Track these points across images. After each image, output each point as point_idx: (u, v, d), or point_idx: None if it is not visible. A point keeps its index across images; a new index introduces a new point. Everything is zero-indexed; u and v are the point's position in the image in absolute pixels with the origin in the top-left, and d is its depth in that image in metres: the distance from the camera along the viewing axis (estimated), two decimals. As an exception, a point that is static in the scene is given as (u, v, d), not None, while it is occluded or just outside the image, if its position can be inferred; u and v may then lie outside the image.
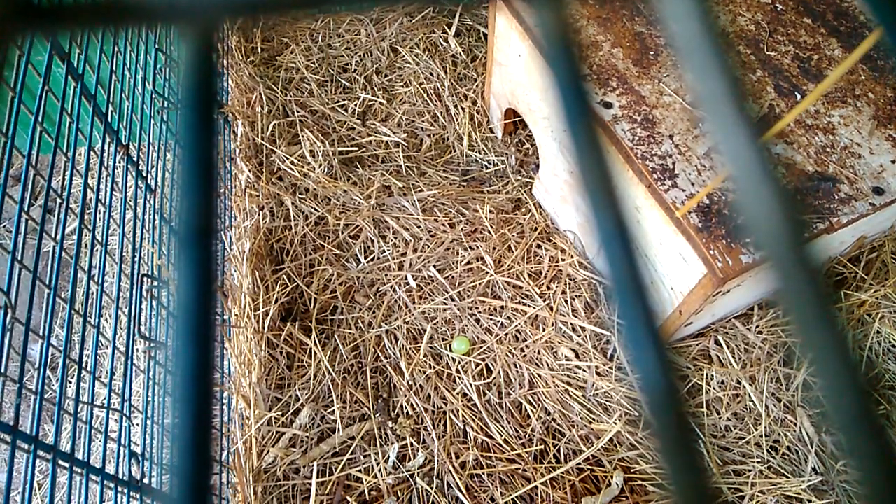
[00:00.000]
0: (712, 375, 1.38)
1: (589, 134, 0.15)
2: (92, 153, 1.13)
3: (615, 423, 1.32)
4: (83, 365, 1.00)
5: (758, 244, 0.16)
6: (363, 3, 0.15)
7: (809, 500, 1.25)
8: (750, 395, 1.35)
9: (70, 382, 1.00)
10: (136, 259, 1.22)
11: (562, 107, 0.15)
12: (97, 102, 1.14)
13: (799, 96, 1.31)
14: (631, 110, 1.29)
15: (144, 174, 1.33)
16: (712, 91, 0.16)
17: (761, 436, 1.31)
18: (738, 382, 1.37)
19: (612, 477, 1.30)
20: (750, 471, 1.29)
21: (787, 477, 1.28)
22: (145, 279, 1.20)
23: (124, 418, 1.04)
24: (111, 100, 1.20)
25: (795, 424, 1.33)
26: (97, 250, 1.13)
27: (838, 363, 0.14)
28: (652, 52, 1.38)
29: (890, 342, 1.40)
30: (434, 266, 1.52)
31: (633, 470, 1.30)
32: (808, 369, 1.35)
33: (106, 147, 1.21)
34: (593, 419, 1.34)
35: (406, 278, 1.50)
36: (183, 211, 0.13)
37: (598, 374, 1.37)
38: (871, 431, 0.14)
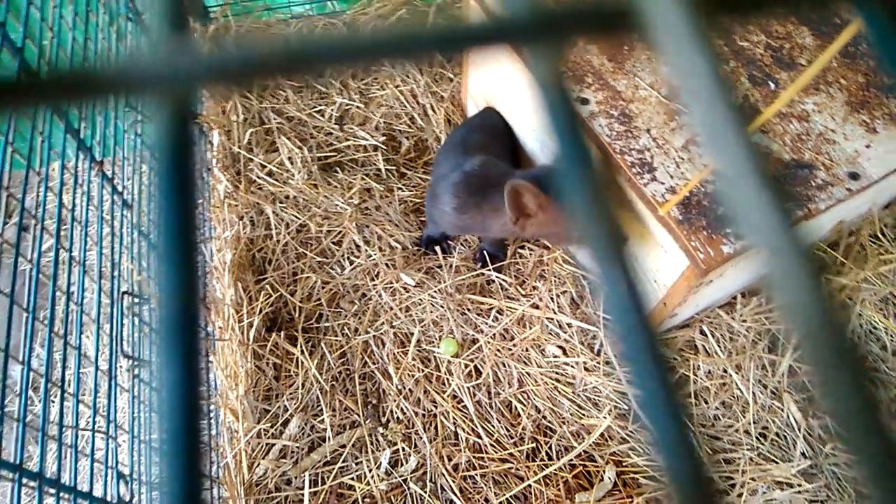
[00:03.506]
0: (699, 365, 1.38)
1: (592, 186, 0.14)
2: (66, 170, 1.11)
3: (605, 418, 1.32)
4: (65, 386, 0.98)
5: (744, 232, 0.16)
6: (342, 64, 0.15)
7: (800, 485, 1.26)
8: (737, 384, 1.36)
9: (53, 402, 0.99)
10: (116, 276, 1.20)
11: (561, 153, 0.14)
12: (69, 119, 1.12)
13: (773, 85, 1.32)
14: (607, 105, 1.29)
15: (120, 189, 1.31)
16: (695, 81, 0.16)
17: (750, 423, 1.32)
18: (725, 371, 1.38)
19: (604, 471, 1.30)
20: (740, 458, 1.30)
21: (777, 463, 1.29)
22: (126, 296, 1.18)
23: (110, 439, 1.03)
24: (83, 116, 1.18)
25: (783, 410, 1.34)
26: (75, 268, 1.11)
27: (831, 346, 0.14)
28: (626, 47, 1.39)
29: (871, 324, 1.42)
30: (419, 269, 1.51)
31: (624, 463, 1.31)
32: (792, 355, 1.37)
33: (80, 164, 1.19)
34: (583, 415, 1.35)
35: (391, 283, 1.49)
36: (163, 293, 0.13)
37: (586, 369, 1.38)
38: (865, 412, 0.14)
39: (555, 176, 1.16)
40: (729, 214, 0.15)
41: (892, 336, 1.40)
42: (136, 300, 1.23)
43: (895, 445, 0.13)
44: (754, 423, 1.33)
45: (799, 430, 1.32)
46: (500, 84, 1.50)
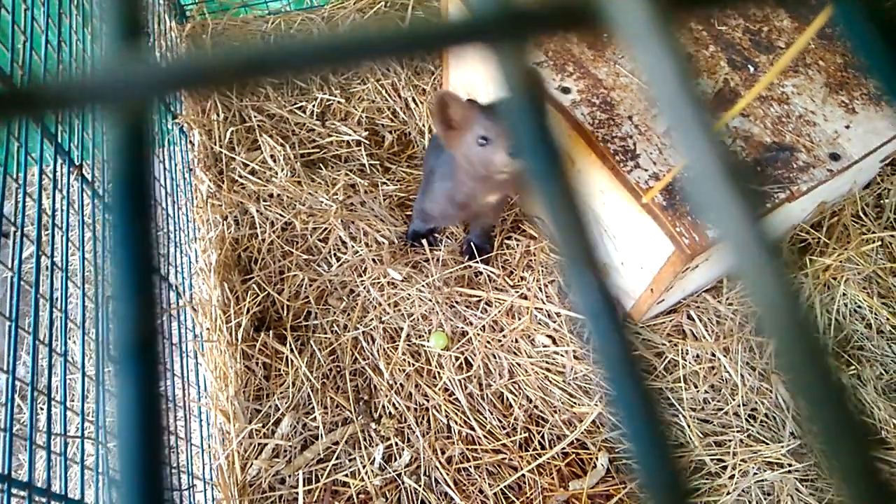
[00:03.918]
0: (687, 350, 1.39)
1: (563, 192, 0.14)
2: (45, 175, 1.10)
3: (596, 406, 1.33)
4: (53, 393, 0.97)
5: (713, 223, 0.16)
6: (307, 70, 0.14)
7: (790, 464, 1.27)
8: (725, 367, 1.37)
9: (41, 410, 0.98)
10: (100, 280, 1.19)
11: (531, 157, 0.14)
12: (45, 124, 1.10)
13: (752, 69, 1.32)
14: (589, 94, 1.29)
15: (101, 193, 1.29)
16: (660, 77, 0.16)
17: (739, 405, 1.34)
18: (713, 355, 1.39)
19: (597, 458, 1.31)
20: (730, 440, 1.31)
21: (767, 443, 1.30)
22: (111, 301, 1.17)
23: (100, 445, 1.02)
24: (59, 119, 1.17)
25: (771, 391, 1.35)
26: (58, 274, 1.10)
27: (799, 338, 0.14)
28: (606, 35, 1.39)
29: (856, 303, 1.43)
30: (406, 263, 1.51)
31: (617, 450, 1.32)
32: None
33: (58, 168, 1.17)
34: (574, 403, 1.35)
35: (379, 279, 1.49)
36: (118, 321, 0.12)
37: (575, 358, 1.38)
38: (838, 411, 0.14)
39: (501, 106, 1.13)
40: (699, 208, 0.15)
41: (876, 314, 1.42)
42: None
43: (864, 440, 0.13)
44: (743, 405, 1.34)
45: (788, 410, 1.33)
46: (481, 76, 1.50)
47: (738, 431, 1.32)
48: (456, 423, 1.34)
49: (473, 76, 1.55)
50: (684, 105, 0.14)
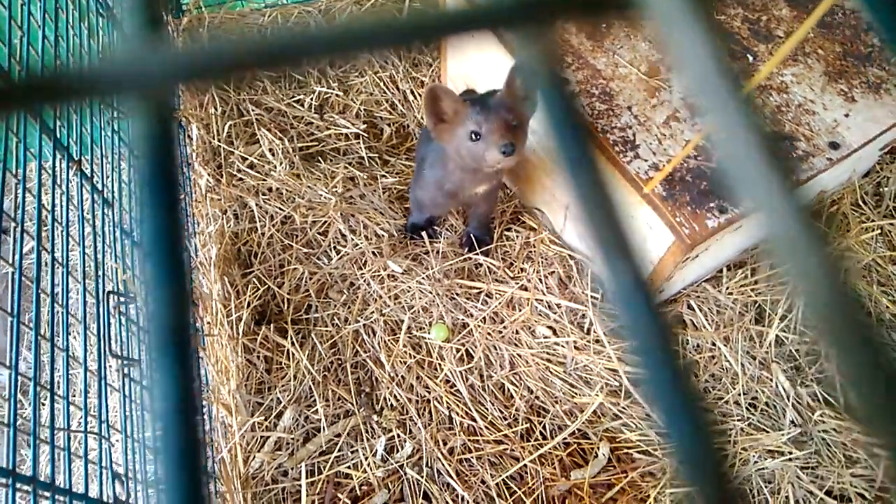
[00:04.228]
0: (687, 340, 1.40)
1: (590, 170, 0.14)
2: (43, 171, 1.09)
3: (597, 395, 1.34)
4: (55, 388, 0.97)
5: (745, 193, 0.16)
6: (320, 57, 0.14)
7: (790, 452, 1.28)
8: (725, 356, 1.38)
9: (44, 405, 0.98)
10: (101, 275, 1.19)
11: (558, 143, 0.14)
12: (43, 118, 1.10)
13: (751, 58, 1.32)
14: (588, 84, 1.29)
15: (100, 188, 1.29)
16: (690, 49, 0.16)
17: (739, 394, 1.34)
18: (713, 344, 1.39)
19: (598, 448, 1.31)
20: (731, 429, 1.32)
21: (768, 432, 1.31)
22: (111, 296, 1.17)
23: (103, 439, 1.02)
24: (58, 115, 1.16)
25: (771, 380, 1.36)
26: (58, 270, 1.10)
27: (837, 301, 0.14)
28: (604, 25, 1.39)
29: (855, 293, 1.44)
30: (406, 256, 1.51)
31: (618, 439, 1.32)
32: (779, 325, 1.38)
33: (57, 164, 1.17)
34: (575, 393, 1.36)
35: (379, 271, 1.49)
36: (153, 309, 0.12)
37: (576, 348, 1.39)
38: (875, 367, 0.14)
39: (492, 100, 1.13)
40: (727, 179, 0.15)
41: (876, 303, 1.42)
42: (122, 299, 1.22)
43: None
44: (744, 393, 1.35)
45: (788, 398, 1.33)
46: (479, 66, 1.50)
47: (738, 420, 1.32)
48: (457, 414, 1.34)
49: (471, 67, 1.54)
50: (718, 77, 0.14)
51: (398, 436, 1.33)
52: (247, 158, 1.62)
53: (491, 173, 1.23)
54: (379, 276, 1.49)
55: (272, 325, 1.43)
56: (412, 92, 1.77)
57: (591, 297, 1.43)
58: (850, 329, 0.14)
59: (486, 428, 1.33)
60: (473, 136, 1.11)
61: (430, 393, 1.37)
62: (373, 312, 1.45)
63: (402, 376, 1.39)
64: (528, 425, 1.34)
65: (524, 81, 1.11)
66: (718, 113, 0.14)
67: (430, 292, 1.46)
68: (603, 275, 0.14)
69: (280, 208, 1.57)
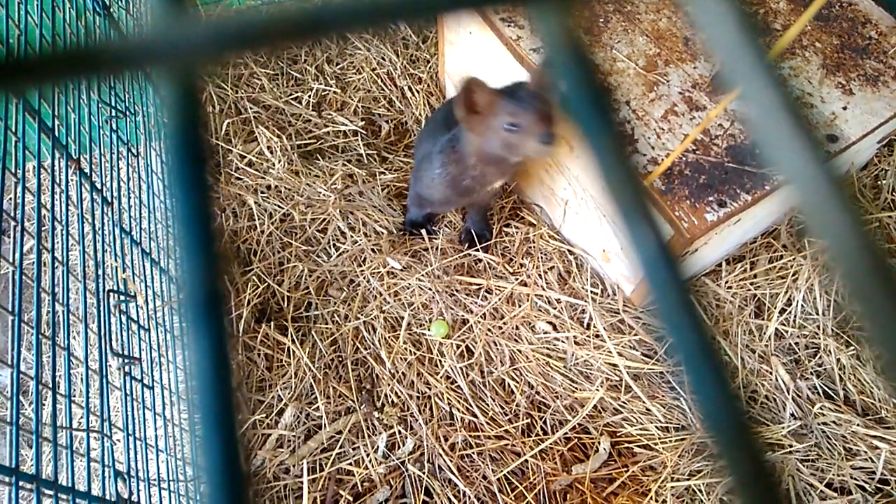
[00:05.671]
0: (687, 334, 1.40)
1: (613, 146, 0.14)
2: (42, 170, 1.09)
3: (597, 390, 1.34)
4: (56, 387, 0.97)
5: (776, 163, 0.16)
6: (353, 28, 0.14)
7: (791, 445, 1.28)
8: (725, 350, 1.38)
9: (45, 404, 0.98)
10: (101, 274, 1.18)
11: (582, 123, 0.14)
12: (42, 117, 1.10)
13: (749, 52, 1.32)
14: (586, 79, 1.29)
15: (99, 187, 1.29)
16: (720, 19, 0.16)
17: (739, 387, 1.34)
18: (713, 338, 1.39)
19: (599, 443, 1.32)
20: (731, 422, 1.32)
21: (768, 425, 1.31)
22: (112, 294, 1.17)
23: (105, 438, 1.02)
24: (56, 114, 1.16)
25: (771, 373, 1.36)
26: (58, 269, 1.09)
27: (876, 268, 0.14)
28: (601, 19, 1.39)
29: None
30: (406, 253, 1.51)
31: (618, 434, 1.33)
32: (778, 319, 1.39)
33: (56, 163, 1.17)
34: (576, 388, 1.36)
35: (378, 268, 1.49)
36: (186, 277, 0.12)
37: (576, 343, 1.39)
38: None
39: (524, 92, 1.15)
40: (762, 151, 0.15)
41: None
42: (122, 298, 1.22)
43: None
44: (744, 387, 1.35)
45: (788, 392, 1.34)
46: (477, 59, 1.50)
47: (738, 413, 1.32)
48: (458, 410, 1.34)
49: (468, 61, 1.54)
50: (749, 50, 0.14)
51: (399, 432, 1.33)
52: (245, 156, 1.62)
53: (513, 167, 1.25)
54: (378, 272, 1.49)
55: (272, 323, 1.43)
56: (410, 89, 1.77)
57: (591, 292, 1.43)
58: (890, 295, 0.14)
59: (487, 424, 1.33)
60: (511, 126, 1.12)
61: (430, 389, 1.37)
62: (373, 309, 1.45)
63: (403, 373, 1.39)
64: (528, 421, 1.34)
65: (551, 73, 1.12)
66: (750, 83, 0.14)
67: (430, 289, 1.46)
68: (624, 241, 0.14)
69: (279, 206, 1.56)
